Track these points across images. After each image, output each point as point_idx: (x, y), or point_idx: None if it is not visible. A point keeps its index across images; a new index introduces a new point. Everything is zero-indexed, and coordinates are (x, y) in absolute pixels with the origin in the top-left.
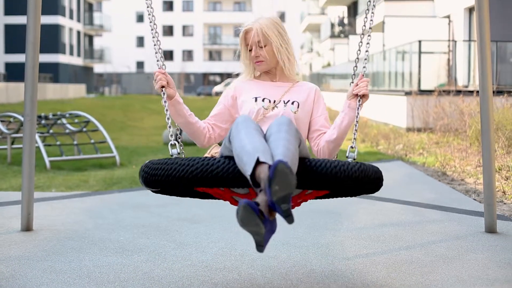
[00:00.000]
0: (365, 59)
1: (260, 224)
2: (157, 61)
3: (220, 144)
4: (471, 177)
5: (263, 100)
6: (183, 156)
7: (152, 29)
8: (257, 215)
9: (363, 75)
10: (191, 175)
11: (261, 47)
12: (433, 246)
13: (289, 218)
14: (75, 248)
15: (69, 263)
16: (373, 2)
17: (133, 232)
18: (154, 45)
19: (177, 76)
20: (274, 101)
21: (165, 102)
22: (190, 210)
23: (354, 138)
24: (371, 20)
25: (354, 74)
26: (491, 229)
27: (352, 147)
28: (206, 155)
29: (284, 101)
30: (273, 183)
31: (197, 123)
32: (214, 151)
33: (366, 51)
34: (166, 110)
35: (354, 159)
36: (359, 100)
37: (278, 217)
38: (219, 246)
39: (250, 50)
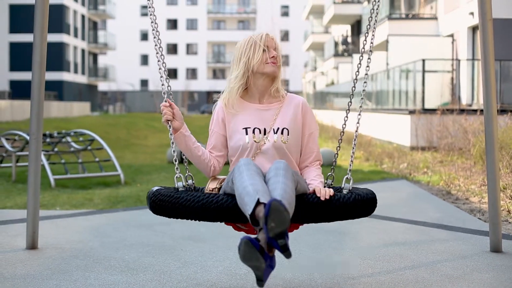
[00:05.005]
0: (364, 82)
1: (260, 259)
2: (162, 83)
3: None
4: (475, 196)
5: (253, 131)
6: (190, 183)
7: (156, 45)
8: (258, 251)
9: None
10: (195, 210)
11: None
12: (439, 266)
13: (287, 253)
14: (81, 266)
15: (74, 282)
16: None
17: (138, 250)
18: (159, 60)
19: (181, 94)
20: (265, 130)
21: (171, 135)
22: (195, 228)
23: (350, 170)
24: (371, 43)
25: (352, 94)
26: (496, 249)
27: (347, 178)
28: (205, 190)
29: (274, 130)
30: (269, 220)
31: (202, 155)
32: (211, 187)
33: (366, 74)
34: (172, 142)
35: (350, 190)
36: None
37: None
38: (224, 265)
39: (264, 51)
